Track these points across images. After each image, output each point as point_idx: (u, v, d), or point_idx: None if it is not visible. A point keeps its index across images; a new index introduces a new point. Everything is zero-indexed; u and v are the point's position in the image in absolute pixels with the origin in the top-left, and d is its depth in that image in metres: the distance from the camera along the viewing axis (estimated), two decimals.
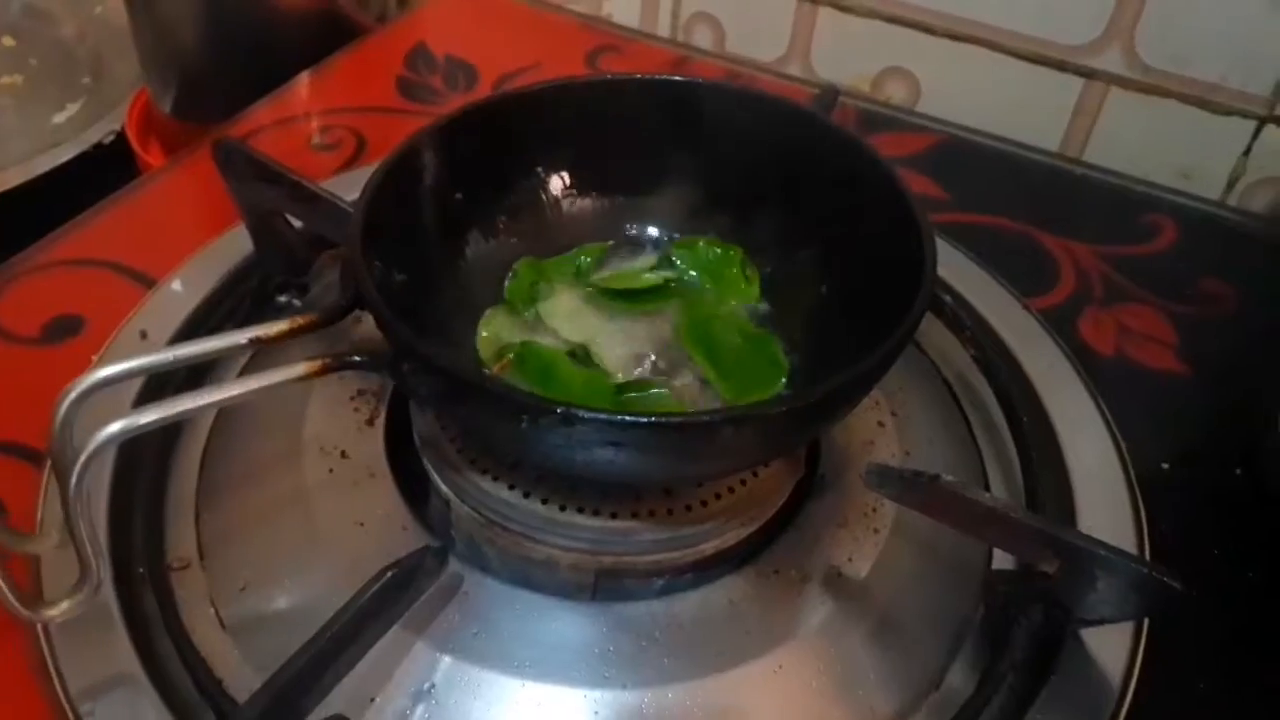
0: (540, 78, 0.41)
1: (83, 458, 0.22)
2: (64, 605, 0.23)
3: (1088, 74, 0.44)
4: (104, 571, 0.23)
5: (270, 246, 0.34)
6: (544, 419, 0.23)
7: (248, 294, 0.35)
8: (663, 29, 0.53)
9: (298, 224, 0.33)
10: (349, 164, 0.41)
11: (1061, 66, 0.44)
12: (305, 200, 0.31)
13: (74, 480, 0.22)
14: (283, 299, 0.35)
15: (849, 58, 0.48)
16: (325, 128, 0.43)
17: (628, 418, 0.23)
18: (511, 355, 0.30)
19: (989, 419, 0.33)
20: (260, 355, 0.31)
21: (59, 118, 0.54)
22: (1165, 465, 0.32)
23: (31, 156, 0.48)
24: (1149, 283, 0.38)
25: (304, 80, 0.46)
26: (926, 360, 0.35)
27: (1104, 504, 0.30)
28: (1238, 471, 0.32)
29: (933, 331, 0.35)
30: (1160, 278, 0.38)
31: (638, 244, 0.34)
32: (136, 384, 0.30)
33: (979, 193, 0.42)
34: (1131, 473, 0.30)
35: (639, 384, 0.30)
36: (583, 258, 0.33)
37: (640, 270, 0.33)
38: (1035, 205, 0.41)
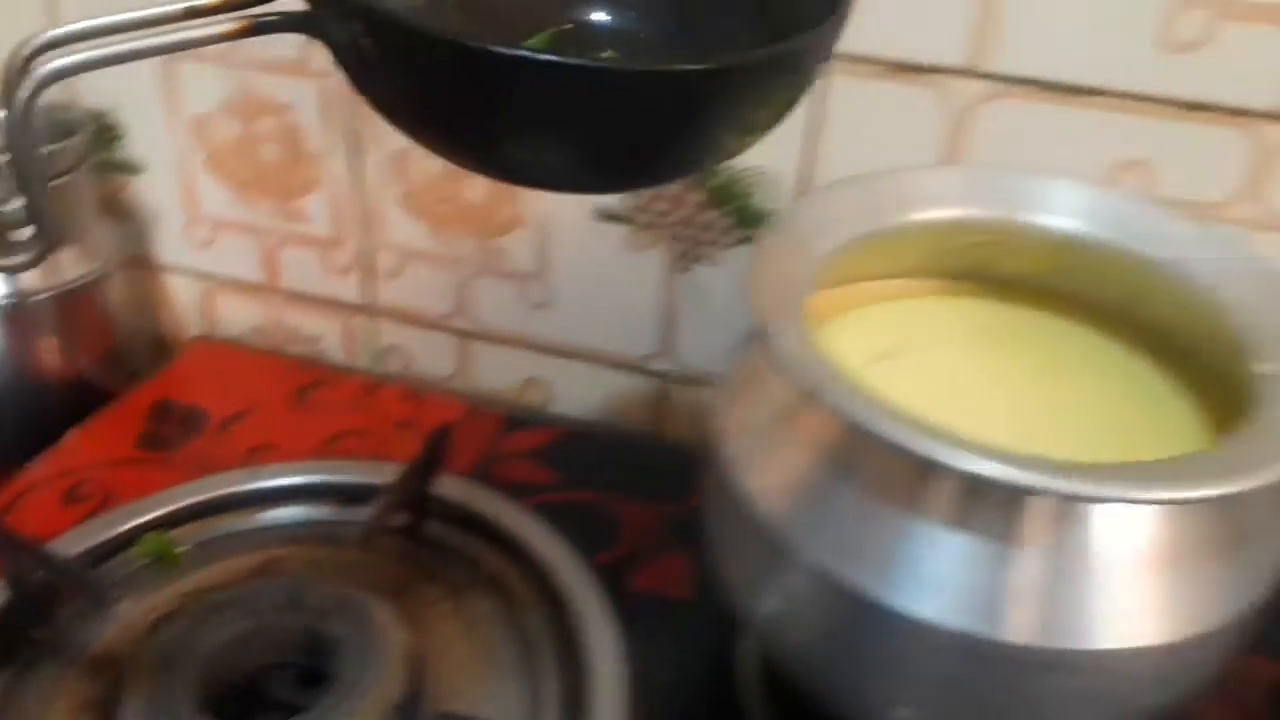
0: (258, 418, 0.55)
1: (30, 86, 0.24)
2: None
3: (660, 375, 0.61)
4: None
5: None
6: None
7: None
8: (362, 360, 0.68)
9: None
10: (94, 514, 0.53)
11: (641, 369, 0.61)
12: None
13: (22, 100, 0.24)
14: None
15: (502, 371, 0.65)
16: (80, 483, 0.56)
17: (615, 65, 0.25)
18: None
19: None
20: None
21: None
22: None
23: None
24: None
25: (64, 443, 0.58)
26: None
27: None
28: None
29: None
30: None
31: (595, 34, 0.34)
32: None
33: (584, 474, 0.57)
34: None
35: None
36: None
37: None
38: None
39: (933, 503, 0.33)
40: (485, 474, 0.57)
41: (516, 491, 0.55)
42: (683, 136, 0.27)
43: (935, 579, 0.32)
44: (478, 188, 0.57)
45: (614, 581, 0.50)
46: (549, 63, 0.24)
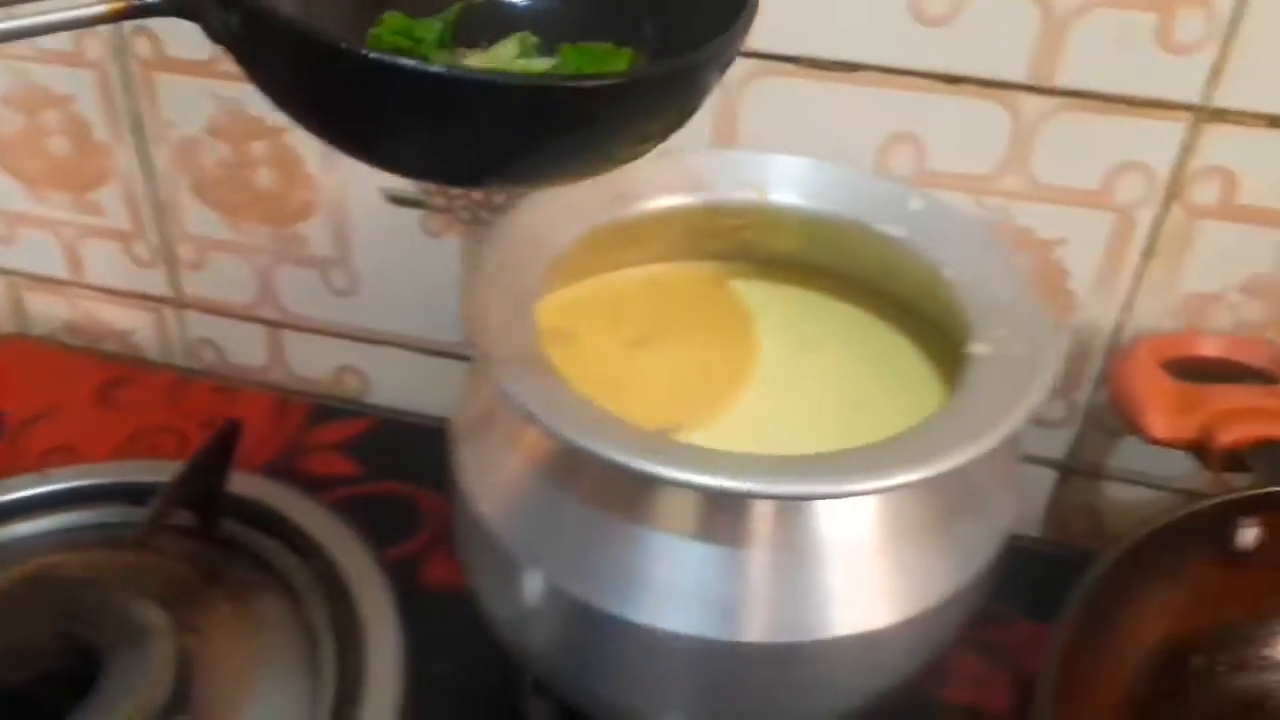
0: (59, 418, 0.53)
1: None
2: None
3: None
4: None
5: None
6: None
7: None
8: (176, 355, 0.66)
9: None
10: None
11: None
12: None
13: None
14: None
15: (315, 360, 0.63)
16: None
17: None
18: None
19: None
20: None
21: None
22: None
23: None
24: None
25: None
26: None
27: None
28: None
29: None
30: None
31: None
32: None
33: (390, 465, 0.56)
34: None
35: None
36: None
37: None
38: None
39: (654, 512, 0.33)
40: (288, 468, 0.56)
41: (319, 485, 0.54)
42: (562, 147, 0.27)
43: (663, 587, 0.32)
44: (267, 175, 0.56)
45: (407, 574, 0.50)
46: (410, 69, 0.23)
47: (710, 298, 0.46)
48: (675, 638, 0.32)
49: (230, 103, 0.54)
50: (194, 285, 0.62)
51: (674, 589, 0.32)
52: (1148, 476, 0.54)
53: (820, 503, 0.32)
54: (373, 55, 0.23)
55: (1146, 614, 0.40)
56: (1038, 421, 0.54)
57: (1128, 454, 0.54)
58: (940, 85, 0.45)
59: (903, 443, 0.32)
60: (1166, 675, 0.41)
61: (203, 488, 0.51)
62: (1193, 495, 0.43)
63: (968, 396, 0.33)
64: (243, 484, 0.53)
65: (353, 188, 0.55)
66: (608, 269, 0.45)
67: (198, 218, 0.59)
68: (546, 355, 0.34)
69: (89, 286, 0.64)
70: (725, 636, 0.32)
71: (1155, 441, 0.44)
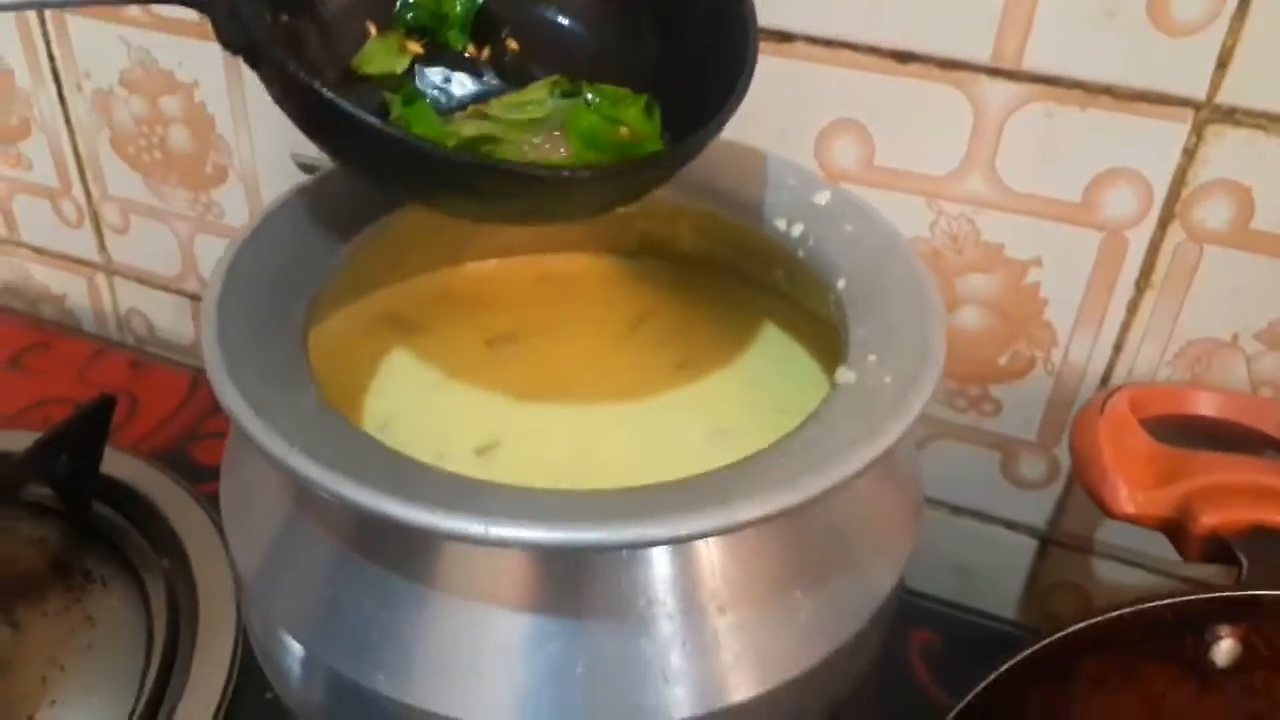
0: None
1: None
2: None
3: None
4: None
5: None
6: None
7: None
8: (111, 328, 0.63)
9: None
10: None
11: None
12: None
13: None
14: None
15: None
16: None
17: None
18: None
19: None
20: None
21: None
22: None
23: None
24: None
25: None
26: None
27: None
28: None
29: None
30: None
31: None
32: None
33: None
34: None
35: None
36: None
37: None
38: None
39: (418, 567, 0.26)
40: (184, 453, 0.52)
41: (210, 474, 0.50)
42: (553, 210, 0.29)
43: (435, 659, 0.25)
44: (179, 134, 0.52)
45: None
46: (398, 139, 0.25)
47: (600, 297, 0.39)
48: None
49: (141, 52, 0.50)
50: (121, 251, 0.58)
51: (469, 669, 0.25)
52: (1146, 557, 0.45)
53: (627, 557, 0.25)
54: (382, 127, 0.25)
55: None
56: (1014, 480, 0.45)
57: (1125, 528, 0.45)
58: (888, 64, 0.38)
59: (706, 483, 0.25)
60: None
61: (70, 466, 0.47)
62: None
63: (816, 431, 0.26)
64: (120, 466, 0.50)
65: (262, 152, 0.50)
66: (480, 256, 0.40)
67: (120, 178, 0.55)
68: (303, 362, 0.27)
69: (22, 244, 0.61)
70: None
71: (1118, 516, 0.35)
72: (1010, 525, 0.46)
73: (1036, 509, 0.46)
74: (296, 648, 0.28)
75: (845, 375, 0.28)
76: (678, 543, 0.25)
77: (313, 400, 0.25)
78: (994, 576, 0.47)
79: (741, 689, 0.25)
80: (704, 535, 0.23)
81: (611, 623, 0.25)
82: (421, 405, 0.33)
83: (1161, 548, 0.37)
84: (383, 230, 0.34)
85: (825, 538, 0.27)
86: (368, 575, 0.26)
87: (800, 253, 0.33)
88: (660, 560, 0.25)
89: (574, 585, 0.25)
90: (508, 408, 0.34)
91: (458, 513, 0.22)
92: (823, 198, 0.33)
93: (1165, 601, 0.31)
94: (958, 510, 0.47)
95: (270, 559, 0.28)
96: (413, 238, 0.36)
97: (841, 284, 0.31)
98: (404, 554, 0.26)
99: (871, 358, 0.28)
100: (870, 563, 0.28)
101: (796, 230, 0.33)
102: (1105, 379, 0.41)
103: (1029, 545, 0.47)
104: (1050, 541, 0.46)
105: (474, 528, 0.22)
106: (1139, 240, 0.38)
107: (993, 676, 0.28)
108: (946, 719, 0.27)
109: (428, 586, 0.25)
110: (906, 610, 0.45)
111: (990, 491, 0.46)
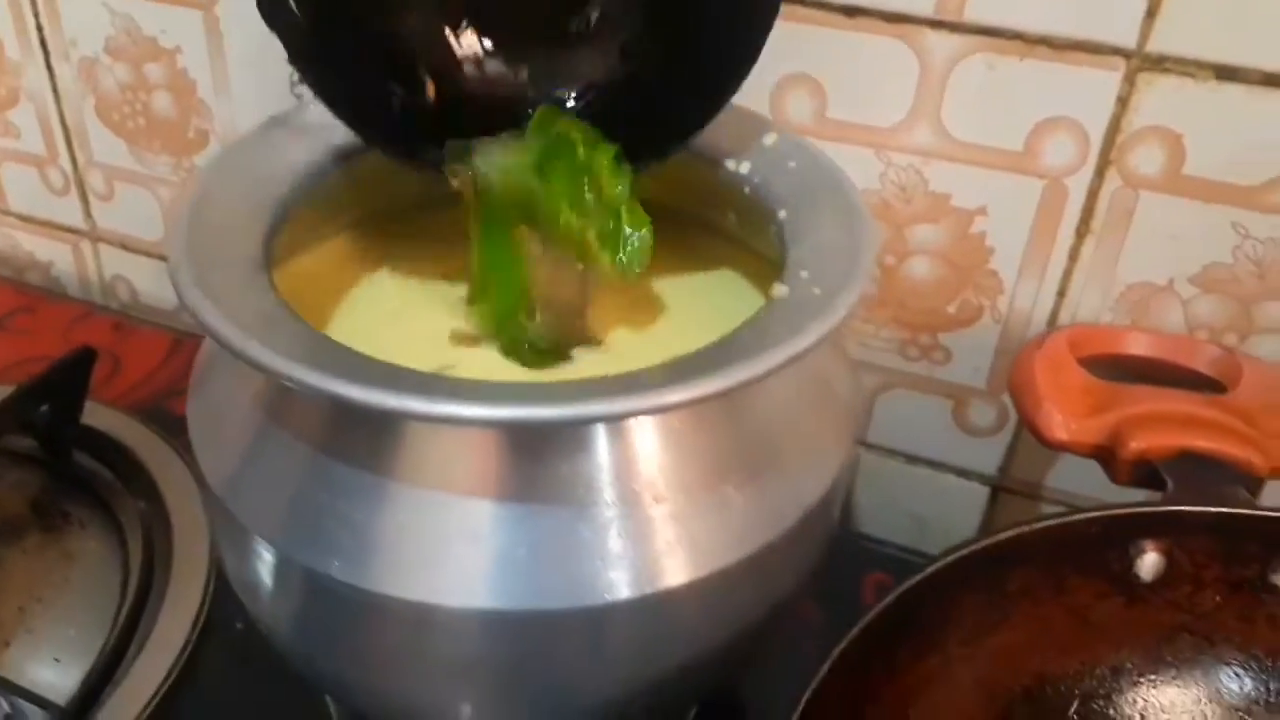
0: None
1: None
2: None
3: None
4: None
5: None
6: None
7: None
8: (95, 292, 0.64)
9: None
10: None
11: None
12: None
13: None
14: None
15: None
16: None
17: None
18: None
19: None
20: None
21: None
22: None
23: None
24: None
25: None
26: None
27: None
28: None
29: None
30: None
31: None
32: None
33: None
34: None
35: None
36: None
37: None
38: None
39: (387, 458, 0.27)
40: (162, 406, 0.53)
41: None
42: None
43: (411, 552, 0.27)
44: (162, 100, 0.53)
45: None
46: None
47: None
48: (433, 610, 0.27)
49: (125, 20, 0.52)
50: (106, 218, 0.60)
51: (424, 553, 0.27)
52: (1095, 501, 0.46)
53: (567, 445, 0.27)
54: None
55: (996, 647, 0.33)
56: (965, 428, 0.47)
57: (1072, 473, 0.46)
58: (837, 18, 0.40)
59: (640, 375, 0.26)
60: None
61: (51, 415, 0.49)
62: None
63: (747, 335, 0.27)
64: (101, 418, 0.51)
65: (243, 116, 0.52)
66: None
67: (105, 145, 0.57)
68: (265, 272, 0.29)
69: (10, 213, 0.63)
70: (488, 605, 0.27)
71: (1052, 443, 0.37)
72: (962, 473, 0.48)
73: (987, 457, 0.47)
74: (265, 552, 0.29)
75: (779, 290, 0.29)
76: (609, 420, 0.26)
77: (272, 300, 0.27)
78: (947, 523, 0.49)
79: (675, 574, 0.27)
80: (633, 413, 0.24)
81: (553, 508, 0.26)
82: (379, 335, 0.35)
83: (1109, 492, 0.39)
84: (353, 166, 0.35)
85: (755, 437, 0.29)
86: (332, 471, 0.27)
87: (747, 189, 0.35)
88: (598, 449, 0.26)
89: (517, 473, 0.26)
90: (463, 339, 0.35)
91: (407, 392, 0.23)
92: (770, 139, 0.35)
93: (1090, 514, 0.33)
94: (912, 459, 0.48)
95: (238, 466, 0.30)
96: (382, 177, 0.37)
97: (783, 214, 0.33)
98: (362, 448, 0.27)
99: (804, 273, 0.29)
100: (799, 468, 0.29)
101: (744, 168, 0.35)
102: (1050, 325, 0.43)
103: (981, 492, 0.48)
104: (1001, 488, 0.48)
105: (421, 405, 0.23)
106: (1078, 188, 0.40)
107: (919, 577, 0.30)
108: (871, 613, 0.29)
109: (385, 476, 0.27)
110: (861, 554, 0.47)
111: (943, 440, 0.47)
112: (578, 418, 0.24)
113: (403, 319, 0.36)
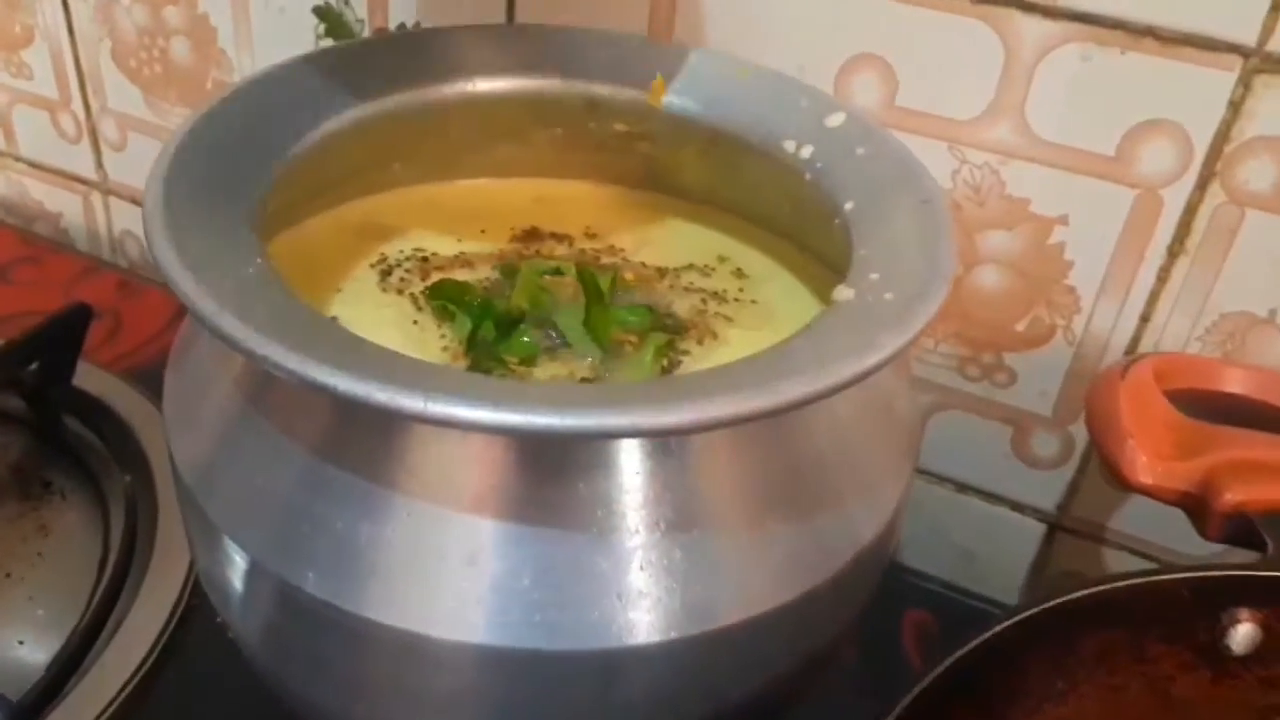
0: None
1: None
2: None
3: None
4: None
5: None
6: None
7: None
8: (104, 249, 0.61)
9: None
10: None
11: None
12: None
13: None
14: None
15: None
16: None
17: None
18: None
19: None
20: None
21: None
22: None
23: None
24: None
25: None
26: None
27: None
28: None
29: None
30: None
31: None
32: None
33: None
34: None
35: None
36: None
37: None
38: None
39: (389, 464, 0.23)
40: (160, 372, 0.50)
41: None
42: None
43: (408, 575, 0.23)
44: (180, 47, 0.50)
45: None
46: None
47: (595, 222, 0.37)
48: (418, 640, 0.23)
49: None
50: (118, 170, 0.57)
51: (412, 574, 0.23)
52: (1163, 550, 0.42)
53: (585, 460, 0.23)
54: None
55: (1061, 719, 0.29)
56: (1025, 458, 0.43)
57: (1140, 515, 0.42)
58: None
59: (675, 382, 0.22)
60: None
61: (41, 374, 0.46)
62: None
63: (804, 343, 0.23)
64: (95, 381, 0.48)
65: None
66: (473, 174, 0.37)
67: (120, 92, 0.53)
68: (252, 234, 0.25)
69: (20, 159, 0.60)
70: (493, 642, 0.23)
71: (1134, 485, 0.33)
72: (1017, 507, 0.44)
73: (1046, 491, 0.43)
74: (235, 554, 0.26)
75: (843, 293, 0.25)
76: (639, 435, 0.22)
77: (256, 269, 0.23)
78: (997, 560, 0.44)
79: (704, 619, 0.23)
80: (669, 430, 0.20)
81: (566, 532, 0.22)
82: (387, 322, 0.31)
83: (1180, 540, 0.35)
84: (363, 132, 0.32)
85: (806, 463, 0.25)
86: (314, 471, 0.24)
87: (808, 175, 0.31)
88: (623, 467, 0.22)
89: (527, 488, 0.22)
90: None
91: (394, 385, 0.20)
92: (835, 119, 0.31)
93: (1182, 575, 0.29)
94: (963, 487, 0.44)
95: (212, 455, 0.26)
96: (397, 149, 0.34)
97: (849, 206, 0.29)
98: (350, 446, 0.23)
99: (874, 275, 0.25)
100: (854, 500, 0.26)
101: (806, 152, 0.31)
102: (1129, 353, 0.39)
103: (1036, 529, 0.44)
104: (1059, 527, 0.43)
105: (410, 402, 0.20)
106: (1175, 201, 0.36)
107: (983, 637, 0.26)
108: (927, 678, 0.25)
109: (373, 481, 0.23)
110: (902, 589, 0.43)
111: (999, 469, 0.43)
112: (602, 430, 0.20)
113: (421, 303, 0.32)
